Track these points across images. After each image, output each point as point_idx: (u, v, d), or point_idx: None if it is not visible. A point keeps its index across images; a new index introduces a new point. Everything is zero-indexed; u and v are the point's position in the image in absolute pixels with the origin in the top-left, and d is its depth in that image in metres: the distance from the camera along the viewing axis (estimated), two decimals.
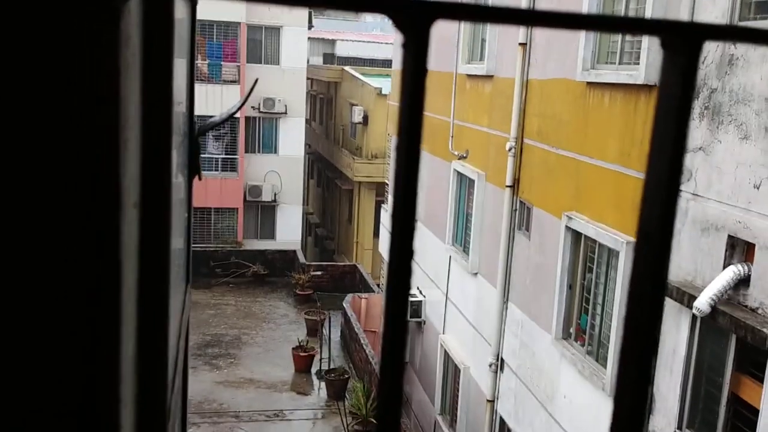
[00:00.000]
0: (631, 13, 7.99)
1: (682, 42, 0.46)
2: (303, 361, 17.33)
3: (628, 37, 8.07)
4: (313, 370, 17.38)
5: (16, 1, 0.47)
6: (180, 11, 1.41)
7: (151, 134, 0.77)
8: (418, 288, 14.84)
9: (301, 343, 17.61)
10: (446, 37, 13.23)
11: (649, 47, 7.30)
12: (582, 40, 8.60)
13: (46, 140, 0.50)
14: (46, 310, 0.54)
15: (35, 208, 0.51)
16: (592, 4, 8.49)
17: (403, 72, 0.42)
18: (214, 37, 24.89)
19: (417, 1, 0.42)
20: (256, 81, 3.52)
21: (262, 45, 25.80)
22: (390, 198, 0.45)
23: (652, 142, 0.47)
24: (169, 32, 0.86)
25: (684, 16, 6.77)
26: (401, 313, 0.44)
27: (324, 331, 18.14)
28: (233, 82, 24.88)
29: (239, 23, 24.84)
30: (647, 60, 7.32)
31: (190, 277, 1.86)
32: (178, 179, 1.40)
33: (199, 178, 1.79)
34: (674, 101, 0.46)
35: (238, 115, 24.58)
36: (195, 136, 1.77)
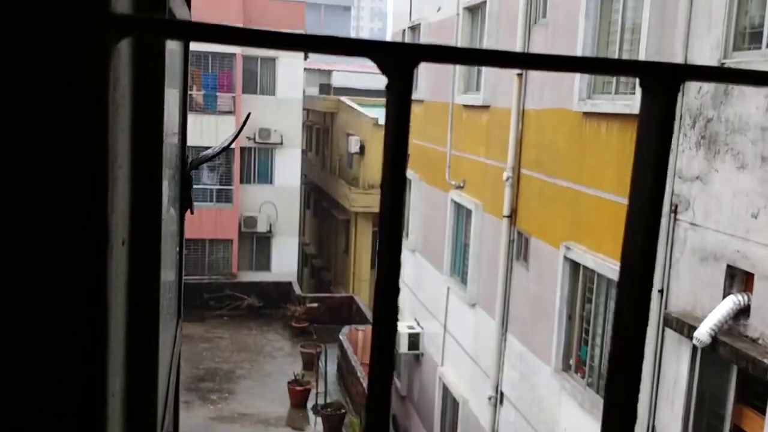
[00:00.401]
0: (626, 44, 8.04)
1: (660, 83, 0.47)
2: (299, 396, 17.09)
3: None
4: (309, 404, 17.14)
5: (5, 43, 0.49)
6: (172, 43, 1.40)
7: (142, 172, 0.78)
8: (415, 319, 14.72)
9: (297, 377, 17.39)
10: (442, 68, 13.31)
11: None
12: None
13: (33, 179, 0.51)
14: (28, 348, 0.53)
15: (19, 245, 0.52)
16: (587, 37, 8.54)
17: (387, 112, 0.44)
18: (210, 68, 25.04)
19: (399, 44, 0.44)
20: (248, 115, 3.54)
21: (258, 76, 25.96)
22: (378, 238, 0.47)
23: (633, 181, 0.49)
24: (160, 72, 0.88)
25: (678, 47, 6.81)
26: (389, 345, 0.45)
27: (320, 364, 17.94)
28: (229, 112, 24.97)
29: (235, 54, 25.02)
30: None
31: (182, 311, 1.81)
32: (169, 213, 1.37)
33: (191, 212, 1.75)
34: (653, 141, 0.47)
35: (233, 145, 24.62)
36: (187, 170, 1.74)
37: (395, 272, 0.44)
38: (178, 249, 1.66)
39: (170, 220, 1.40)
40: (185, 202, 1.69)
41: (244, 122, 2.99)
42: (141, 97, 0.74)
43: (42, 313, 0.53)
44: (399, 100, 0.42)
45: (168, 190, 1.31)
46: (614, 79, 8.23)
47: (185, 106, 1.81)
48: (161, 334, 1.03)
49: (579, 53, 8.61)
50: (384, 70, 0.43)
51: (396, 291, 0.45)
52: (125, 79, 0.65)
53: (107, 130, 0.51)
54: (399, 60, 0.42)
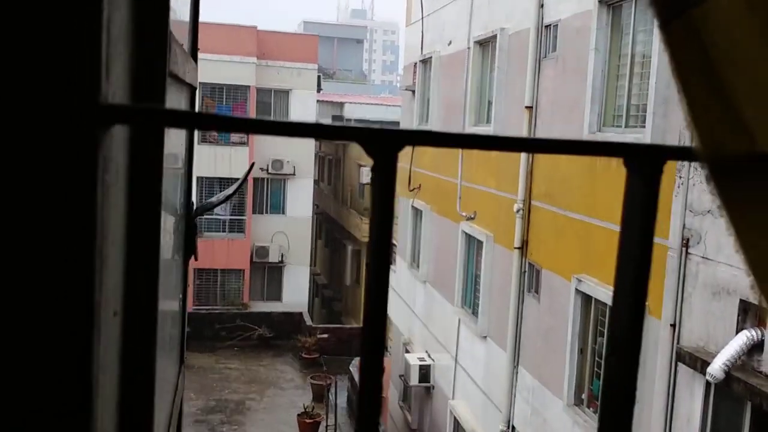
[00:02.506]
0: (636, 77, 8.08)
1: (644, 163, 0.48)
2: (308, 428, 16.96)
3: (633, 100, 8.14)
4: None
5: None
6: (178, 101, 1.42)
7: (138, 244, 0.80)
8: (426, 352, 14.62)
9: (307, 409, 17.28)
10: (453, 100, 13.41)
11: (655, 111, 7.35)
12: (588, 103, 8.69)
13: (20, 259, 0.51)
14: None
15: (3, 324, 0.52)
16: (597, 70, 8.60)
17: (372, 192, 0.46)
18: (224, 100, 25.34)
19: (385, 129, 0.46)
20: (253, 164, 3.64)
21: (272, 108, 26.23)
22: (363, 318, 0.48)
23: (619, 259, 0.49)
24: (159, 144, 0.90)
25: None
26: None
27: (330, 396, 17.82)
28: (242, 144, 25.20)
29: (249, 87, 25.32)
30: (653, 122, 7.36)
31: (185, 358, 1.81)
32: (174, 260, 1.39)
33: (195, 259, 1.77)
34: (638, 219, 0.48)
35: None
36: (192, 218, 1.77)
37: (380, 358, 0.45)
38: (181, 296, 1.68)
39: (174, 268, 1.41)
40: (189, 250, 1.71)
41: (248, 171, 3.05)
42: (138, 172, 0.76)
43: (26, 390, 0.52)
44: (383, 182, 0.44)
45: (172, 238, 1.32)
46: (624, 111, 8.26)
47: (191, 148, 1.84)
48: (159, 385, 1.03)
49: (589, 86, 8.66)
50: (370, 153, 0.45)
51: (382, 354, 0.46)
52: (120, 157, 0.67)
53: (95, 210, 0.52)
54: (384, 144, 0.44)
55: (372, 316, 0.44)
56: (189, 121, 0.52)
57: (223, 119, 0.47)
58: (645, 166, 0.48)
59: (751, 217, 0.45)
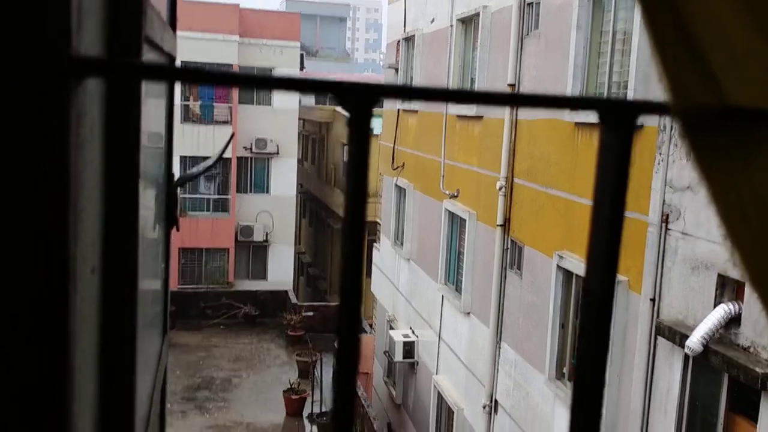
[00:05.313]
0: (617, 54, 8.11)
1: (618, 118, 0.49)
2: (294, 404, 17.09)
3: (614, 77, 8.18)
4: (305, 413, 17.12)
5: None
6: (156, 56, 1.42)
7: (116, 200, 0.79)
8: (410, 328, 14.74)
9: (293, 386, 17.39)
10: (436, 78, 13.38)
11: (635, 87, 7.40)
12: (570, 80, 8.71)
13: None
14: None
15: None
16: (579, 47, 8.61)
17: (349, 146, 0.47)
18: None
19: (359, 83, 0.46)
20: (233, 135, 3.63)
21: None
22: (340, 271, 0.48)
23: (593, 211, 0.50)
24: (135, 100, 0.87)
25: None
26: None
27: (316, 372, 17.94)
28: (225, 122, 25.03)
29: (231, 65, 25.08)
30: (634, 98, 7.39)
31: (168, 328, 1.83)
32: (155, 231, 1.40)
33: (177, 229, 1.79)
34: (612, 173, 0.49)
35: (230, 155, 24.68)
36: (173, 188, 1.78)
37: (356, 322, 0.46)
38: (164, 265, 1.69)
39: (155, 237, 1.42)
40: (171, 220, 1.73)
41: (228, 142, 3.05)
42: (114, 128, 0.76)
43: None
44: (359, 135, 0.46)
45: (153, 208, 1.33)
46: (606, 88, 8.30)
47: (171, 121, 1.84)
48: (142, 353, 1.04)
49: (571, 63, 8.68)
50: (345, 106, 0.46)
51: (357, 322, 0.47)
52: (95, 112, 0.67)
53: (68, 162, 0.52)
54: (359, 97, 0.45)
55: (347, 285, 0.45)
56: (160, 73, 0.51)
57: (196, 73, 0.47)
58: (619, 120, 0.48)
59: (721, 169, 0.46)
